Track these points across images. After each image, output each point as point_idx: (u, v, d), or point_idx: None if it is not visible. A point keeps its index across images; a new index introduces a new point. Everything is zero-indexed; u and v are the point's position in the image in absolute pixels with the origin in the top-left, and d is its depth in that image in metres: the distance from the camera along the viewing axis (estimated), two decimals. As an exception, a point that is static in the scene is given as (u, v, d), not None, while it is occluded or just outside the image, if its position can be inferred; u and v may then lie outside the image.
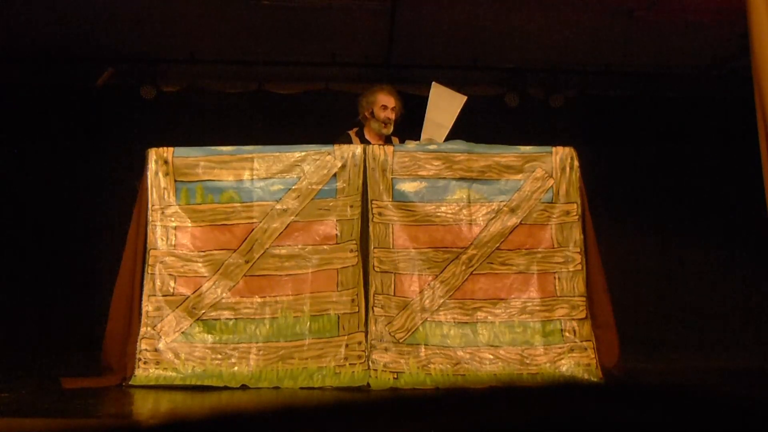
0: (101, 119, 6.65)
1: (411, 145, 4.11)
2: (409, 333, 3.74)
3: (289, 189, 3.88)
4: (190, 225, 3.86)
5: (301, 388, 3.58)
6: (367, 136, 4.41)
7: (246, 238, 3.83)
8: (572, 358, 3.71)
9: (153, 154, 3.91)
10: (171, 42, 6.35)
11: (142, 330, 3.70)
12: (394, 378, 3.63)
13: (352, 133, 4.44)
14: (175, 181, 3.89)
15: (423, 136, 4.21)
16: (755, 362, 5.26)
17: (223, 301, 3.77)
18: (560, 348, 3.74)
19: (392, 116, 4.36)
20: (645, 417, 0.78)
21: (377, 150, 3.95)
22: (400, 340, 3.72)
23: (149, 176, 3.88)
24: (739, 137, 5.29)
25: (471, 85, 6.04)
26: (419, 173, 3.93)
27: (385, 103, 4.37)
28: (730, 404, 0.81)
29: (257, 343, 3.71)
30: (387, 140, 4.42)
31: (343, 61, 6.65)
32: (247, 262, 3.81)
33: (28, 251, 6.40)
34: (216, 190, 3.89)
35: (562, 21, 5.86)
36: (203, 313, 3.75)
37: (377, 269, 3.82)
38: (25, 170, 6.52)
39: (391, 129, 4.39)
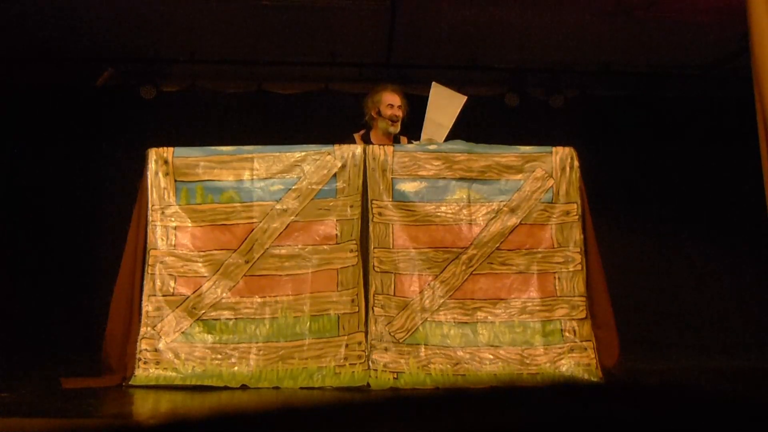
0: (101, 119, 6.66)
1: (411, 145, 4.11)
2: (409, 333, 3.74)
3: (289, 189, 3.88)
4: (190, 225, 3.86)
5: (301, 388, 3.57)
6: (373, 139, 4.38)
7: (246, 238, 3.83)
8: (572, 358, 3.71)
9: (153, 154, 3.91)
10: (171, 42, 6.35)
11: (142, 330, 3.70)
12: (394, 378, 3.63)
13: (357, 136, 4.42)
14: (175, 181, 3.89)
15: (423, 136, 4.21)
16: (755, 362, 5.25)
17: (223, 301, 3.77)
18: (560, 348, 3.73)
19: (399, 114, 4.34)
20: (645, 417, 0.78)
21: (377, 150, 3.94)
22: (400, 340, 3.72)
23: (149, 176, 3.88)
24: (739, 137, 5.29)
25: (471, 85, 6.04)
26: (419, 173, 3.92)
27: (390, 102, 4.35)
28: (730, 404, 0.81)
29: (257, 343, 3.70)
30: (395, 141, 4.39)
31: (343, 61, 6.65)
32: (247, 262, 3.81)
33: (28, 251, 6.40)
34: (216, 190, 3.89)
35: (562, 21, 5.86)
36: (203, 313, 3.75)
37: (377, 269, 3.81)
38: (24, 170, 6.51)
39: (399, 128, 4.37)
